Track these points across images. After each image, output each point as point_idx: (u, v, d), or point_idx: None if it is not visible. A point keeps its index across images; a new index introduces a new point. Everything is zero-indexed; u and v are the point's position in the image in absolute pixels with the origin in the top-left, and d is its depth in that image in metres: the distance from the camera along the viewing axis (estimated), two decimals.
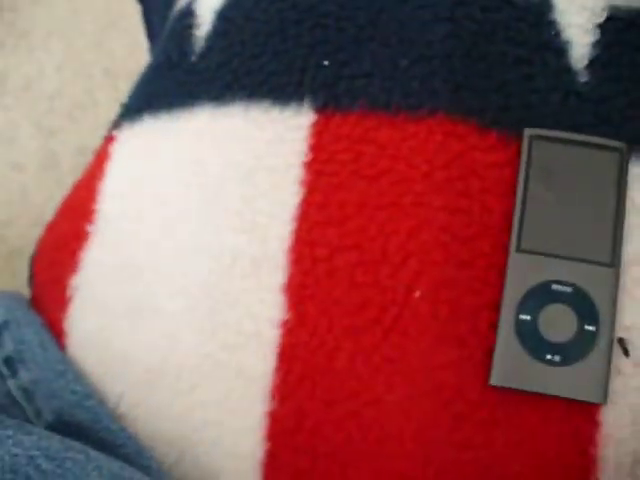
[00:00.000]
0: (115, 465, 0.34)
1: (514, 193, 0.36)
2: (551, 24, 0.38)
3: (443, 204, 0.36)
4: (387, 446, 0.35)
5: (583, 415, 0.34)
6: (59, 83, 0.84)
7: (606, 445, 0.34)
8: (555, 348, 0.34)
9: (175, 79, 0.44)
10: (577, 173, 0.36)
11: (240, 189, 0.39)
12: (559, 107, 0.37)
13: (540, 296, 0.35)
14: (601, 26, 0.38)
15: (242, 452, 0.36)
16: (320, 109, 0.39)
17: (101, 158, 0.45)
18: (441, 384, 0.34)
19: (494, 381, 0.34)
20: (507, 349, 0.34)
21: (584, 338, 0.34)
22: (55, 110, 0.83)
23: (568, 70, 0.38)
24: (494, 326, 0.35)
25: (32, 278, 0.49)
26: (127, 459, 0.37)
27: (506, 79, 0.38)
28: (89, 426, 0.39)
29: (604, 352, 0.34)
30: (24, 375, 0.41)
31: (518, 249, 0.35)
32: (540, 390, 0.34)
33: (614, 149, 0.36)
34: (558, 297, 0.35)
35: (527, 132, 0.37)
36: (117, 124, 0.46)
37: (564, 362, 0.34)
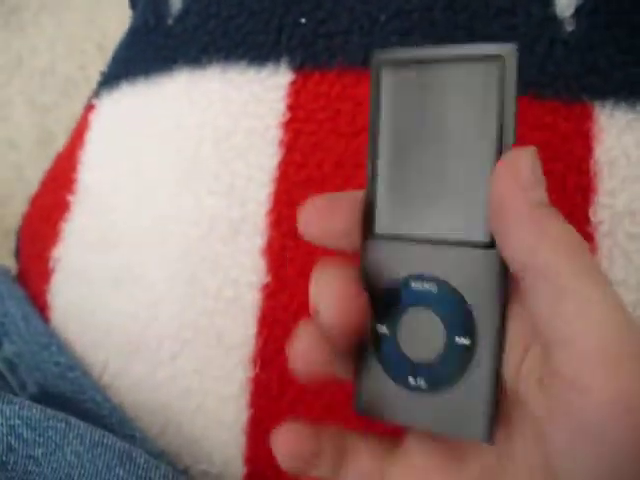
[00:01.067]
0: (97, 433, 0.34)
1: None
2: None
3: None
4: None
5: None
6: (51, 59, 0.83)
7: None
8: (419, 370, 0.26)
9: (152, 44, 0.43)
10: (442, 109, 0.26)
11: (218, 152, 0.38)
12: (544, 57, 0.36)
13: (398, 299, 0.26)
14: None
15: (225, 419, 0.36)
16: (298, 68, 0.38)
17: (81, 127, 0.45)
18: None
19: (358, 409, 0.27)
20: (368, 371, 0.26)
21: (455, 355, 0.25)
22: (48, 86, 0.82)
23: (554, 19, 0.36)
24: None
25: (18, 252, 0.48)
26: (112, 429, 0.37)
27: (489, 31, 0.36)
28: (73, 397, 0.38)
29: (484, 374, 0.25)
30: (8, 348, 0.41)
31: (370, 234, 0.27)
32: (410, 423, 0.26)
33: (492, 59, 0.25)
34: (419, 298, 0.26)
35: (375, 59, 0.27)
36: (97, 92, 0.45)
37: (431, 388, 0.25)
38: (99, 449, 0.34)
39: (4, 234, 0.75)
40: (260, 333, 0.35)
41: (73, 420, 0.34)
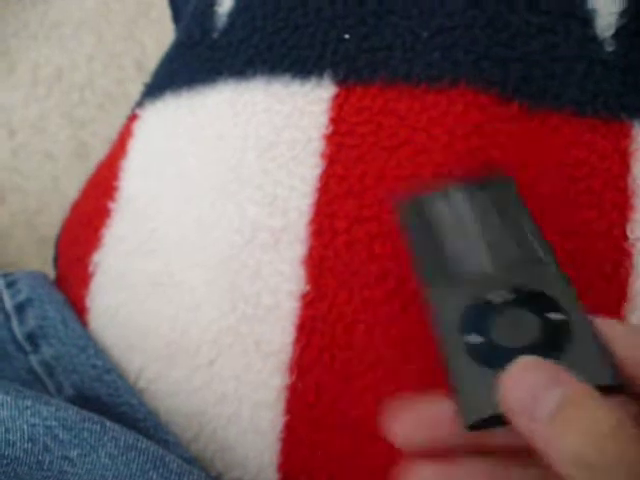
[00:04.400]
0: (131, 436, 0.34)
1: (536, 164, 0.35)
2: None
3: (463, 175, 0.35)
4: None
5: None
6: (90, 74, 0.85)
7: None
8: (521, 352, 0.27)
9: (197, 56, 0.44)
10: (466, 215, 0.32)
11: (261, 162, 0.38)
12: (583, 77, 0.36)
13: (480, 312, 0.29)
14: None
15: (261, 426, 0.36)
16: (341, 82, 0.39)
17: (124, 137, 0.46)
18: None
19: (471, 420, 0.27)
20: (470, 380, 0.28)
21: (553, 330, 0.28)
22: (86, 101, 0.83)
23: (593, 39, 0.37)
24: None
25: (56, 259, 0.49)
26: (146, 433, 0.37)
27: (528, 49, 0.37)
28: (109, 400, 0.39)
29: (586, 337, 0.27)
30: (46, 350, 0.41)
31: (432, 281, 0.31)
32: None
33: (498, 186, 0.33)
34: (499, 305, 0.29)
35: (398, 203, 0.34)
36: (140, 103, 0.46)
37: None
38: (133, 452, 0.34)
39: (40, 243, 0.76)
40: (298, 341, 0.36)
41: (108, 423, 0.35)
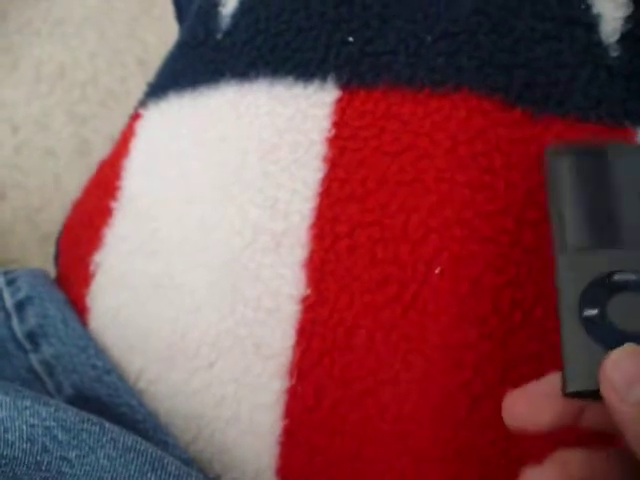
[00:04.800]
0: (130, 438, 0.34)
1: (538, 169, 0.35)
2: None
3: (466, 180, 0.35)
4: (404, 426, 0.34)
5: None
6: (93, 71, 0.85)
7: None
8: (634, 336, 0.29)
9: (200, 57, 0.44)
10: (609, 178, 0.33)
11: (262, 165, 0.38)
12: (587, 83, 0.36)
13: (603, 288, 0.30)
14: None
15: (260, 429, 0.36)
16: (344, 85, 0.38)
17: (126, 136, 0.46)
18: (460, 363, 0.34)
19: (572, 388, 0.29)
20: (579, 350, 0.30)
21: None
22: (88, 98, 0.83)
23: (598, 44, 0.37)
24: (515, 304, 0.34)
25: (57, 257, 0.49)
26: (145, 434, 0.37)
27: (533, 55, 0.37)
28: (108, 401, 0.39)
29: None
30: (46, 349, 0.41)
31: (565, 249, 0.32)
32: None
33: None
34: (623, 285, 0.30)
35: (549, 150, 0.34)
36: (143, 102, 0.46)
37: None
38: (132, 454, 0.34)
39: (41, 240, 0.76)
40: (298, 344, 0.36)
41: (107, 424, 0.35)
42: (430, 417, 0.34)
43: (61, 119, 0.82)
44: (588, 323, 0.30)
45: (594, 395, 0.27)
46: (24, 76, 0.84)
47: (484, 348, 0.34)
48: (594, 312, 0.30)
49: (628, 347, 0.27)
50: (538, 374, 0.33)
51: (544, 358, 0.34)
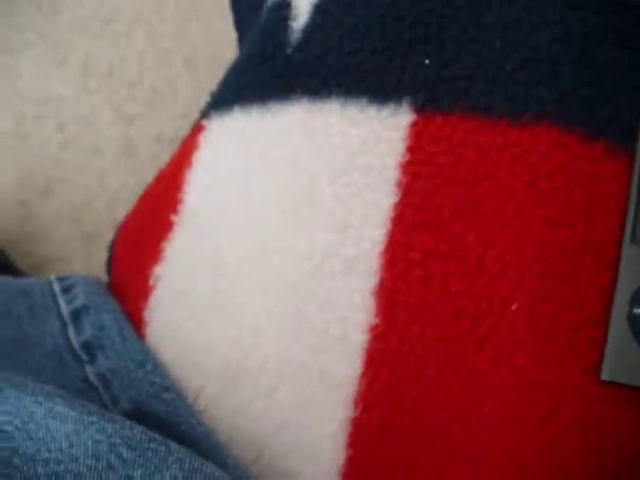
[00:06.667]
0: (196, 460, 0.34)
1: (620, 208, 0.34)
2: None
3: (545, 215, 0.34)
4: (473, 464, 0.33)
5: None
6: (140, 70, 0.84)
7: None
8: None
9: (269, 71, 0.43)
10: None
11: (333, 188, 0.38)
12: None
13: None
14: None
15: (322, 458, 0.35)
16: (419, 109, 0.38)
17: (188, 148, 0.45)
18: (533, 403, 0.33)
19: (605, 376, 0.32)
20: (620, 344, 0.32)
21: None
22: (135, 97, 0.83)
23: None
24: (591, 344, 0.33)
25: (111, 264, 0.49)
26: (205, 454, 0.37)
27: (617, 87, 0.36)
28: (167, 418, 0.39)
29: None
30: (102, 362, 0.41)
31: (633, 240, 0.33)
32: None
33: None
34: None
35: None
36: (206, 114, 0.46)
37: None
38: (198, 476, 0.34)
39: (84, 238, 0.76)
40: (365, 374, 0.35)
41: (173, 444, 0.34)
42: (500, 457, 0.33)
43: (107, 117, 0.82)
44: (634, 320, 0.32)
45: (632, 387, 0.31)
46: (72, 73, 0.84)
47: (559, 388, 0.33)
48: None
49: None
50: (613, 416, 0.32)
51: (619, 398, 0.33)
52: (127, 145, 0.81)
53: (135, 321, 0.43)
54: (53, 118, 0.81)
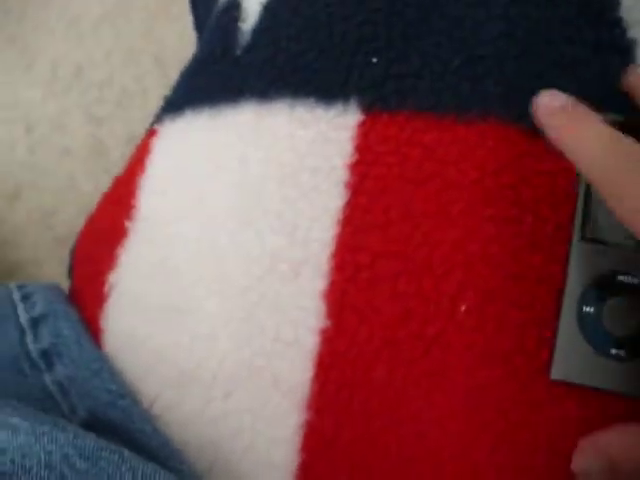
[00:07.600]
0: (149, 467, 0.34)
1: (568, 203, 0.34)
2: (616, 22, 0.36)
3: (492, 214, 0.34)
4: (425, 464, 0.33)
5: None
6: (109, 71, 0.84)
7: None
8: (620, 342, 0.32)
9: (219, 73, 0.42)
10: None
11: (282, 190, 0.38)
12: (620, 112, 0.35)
13: (604, 287, 0.32)
14: None
15: (276, 462, 0.35)
16: (367, 109, 0.37)
17: (142, 153, 0.45)
18: (483, 403, 0.33)
19: (555, 375, 0.32)
20: (569, 343, 0.32)
21: None
22: (104, 98, 0.83)
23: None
24: (542, 343, 0.33)
25: (71, 270, 0.48)
26: (159, 461, 0.37)
27: (562, 82, 0.36)
28: (122, 425, 0.38)
29: None
30: (60, 370, 0.41)
31: (582, 237, 0.33)
32: (603, 386, 0.32)
33: None
34: (624, 288, 0.32)
35: None
36: (159, 118, 0.45)
37: (630, 357, 0.32)
38: None
39: (55, 242, 0.76)
40: (317, 377, 0.35)
41: (126, 452, 0.34)
42: (451, 457, 0.33)
43: (77, 119, 0.81)
44: (583, 319, 0.32)
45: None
46: (40, 76, 0.83)
47: (508, 387, 0.33)
48: (590, 310, 0.32)
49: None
50: (564, 415, 0.32)
51: (569, 399, 0.33)
52: (97, 147, 0.81)
53: (93, 329, 0.42)
54: (21, 121, 0.80)
